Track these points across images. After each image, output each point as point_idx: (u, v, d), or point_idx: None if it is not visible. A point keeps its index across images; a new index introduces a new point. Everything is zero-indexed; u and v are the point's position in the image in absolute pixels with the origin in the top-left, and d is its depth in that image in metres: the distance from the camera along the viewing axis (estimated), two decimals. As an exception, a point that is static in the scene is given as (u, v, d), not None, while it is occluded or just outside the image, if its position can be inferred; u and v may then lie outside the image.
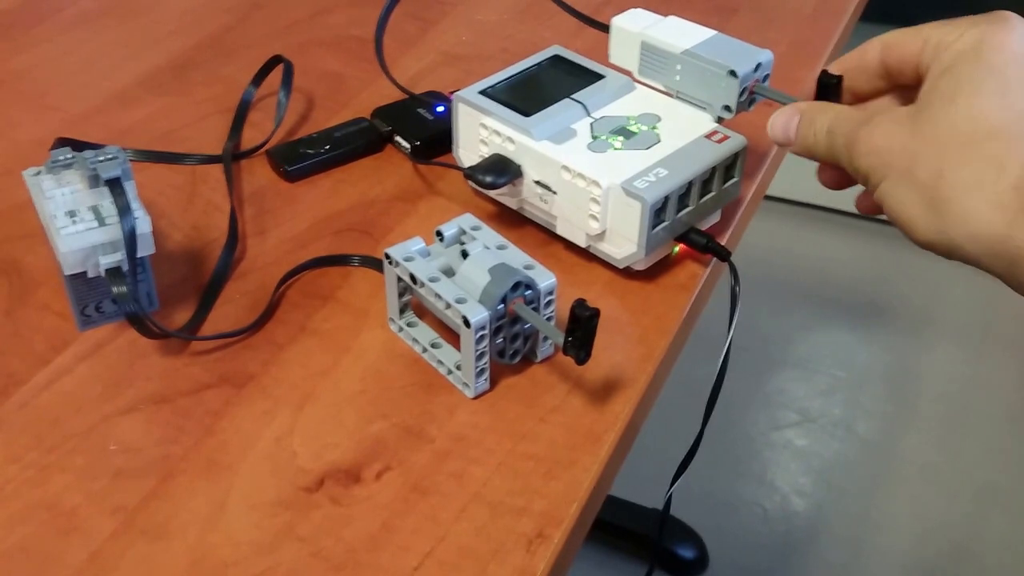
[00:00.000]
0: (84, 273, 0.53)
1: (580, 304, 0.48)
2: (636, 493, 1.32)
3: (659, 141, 0.59)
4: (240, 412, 0.52)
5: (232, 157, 0.69)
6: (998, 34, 0.46)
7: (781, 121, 0.54)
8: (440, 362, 0.54)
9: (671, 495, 0.63)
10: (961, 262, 0.46)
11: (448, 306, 0.51)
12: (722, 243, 0.60)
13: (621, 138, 0.59)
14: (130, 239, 0.52)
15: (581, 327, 0.48)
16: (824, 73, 0.54)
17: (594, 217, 0.57)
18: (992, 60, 0.46)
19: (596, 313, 0.48)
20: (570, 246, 0.61)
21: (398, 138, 0.70)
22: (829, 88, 0.54)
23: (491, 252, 0.53)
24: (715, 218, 0.63)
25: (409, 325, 0.56)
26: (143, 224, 0.52)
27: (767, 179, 0.70)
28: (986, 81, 0.46)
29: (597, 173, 0.57)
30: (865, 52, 0.54)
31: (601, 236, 0.58)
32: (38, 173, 0.55)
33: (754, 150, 0.67)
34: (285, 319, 0.57)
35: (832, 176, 0.56)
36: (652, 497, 1.30)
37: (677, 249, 0.60)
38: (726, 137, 0.60)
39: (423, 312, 0.57)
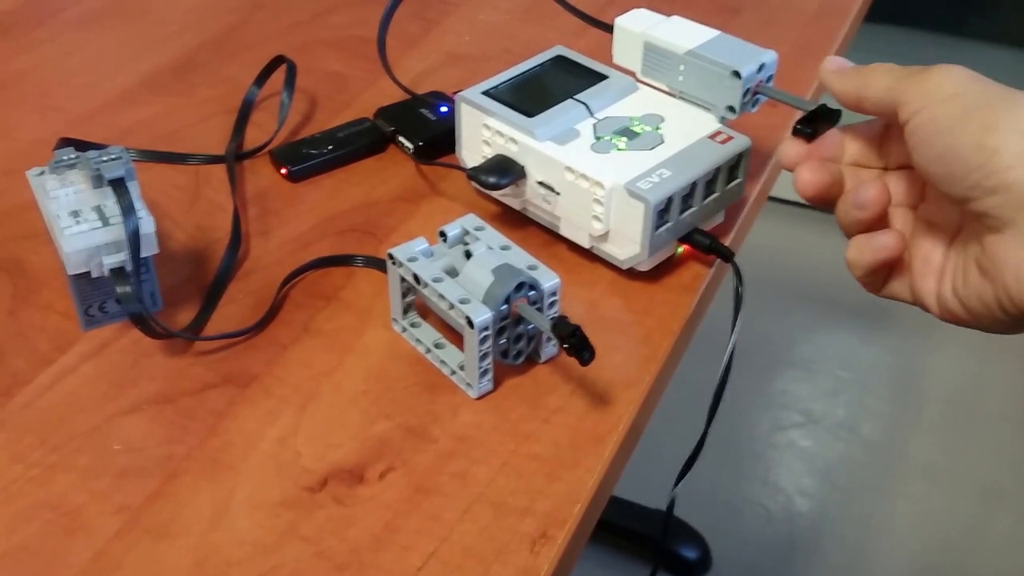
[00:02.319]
0: (88, 273, 0.53)
1: (561, 322, 0.49)
2: (639, 493, 1.32)
3: (663, 142, 0.59)
4: (244, 412, 0.52)
5: (235, 157, 0.69)
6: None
7: (839, 61, 0.52)
8: (443, 362, 0.54)
9: (675, 496, 0.63)
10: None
11: (451, 307, 0.51)
12: (726, 244, 0.60)
13: (624, 139, 0.59)
14: (134, 239, 0.52)
15: (565, 342, 0.49)
16: (823, 107, 0.54)
17: (597, 218, 0.57)
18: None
19: (576, 330, 0.48)
20: (573, 247, 0.61)
21: (401, 138, 0.70)
22: (822, 116, 0.54)
23: (494, 253, 0.53)
24: (719, 219, 0.63)
25: (412, 325, 0.56)
26: (147, 224, 0.52)
27: (771, 180, 0.70)
28: None
29: (600, 174, 0.57)
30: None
31: (604, 237, 0.58)
32: (42, 173, 0.56)
33: (758, 151, 0.67)
34: (288, 319, 0.57)
35: (813, 180, 0.52)
36: (655, 497, 1.29)
37: (681, 250, 0.60)
38: (730, 138, 0.60)
39: (426, 312, 0.57)
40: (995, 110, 0.44)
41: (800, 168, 0.52)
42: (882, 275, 0.51)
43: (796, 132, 0.53)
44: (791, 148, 0.53)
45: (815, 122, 0.53)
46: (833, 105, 0.54)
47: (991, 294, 0.45)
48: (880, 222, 0.50)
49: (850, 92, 0.50)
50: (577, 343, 0.48)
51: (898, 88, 0.47)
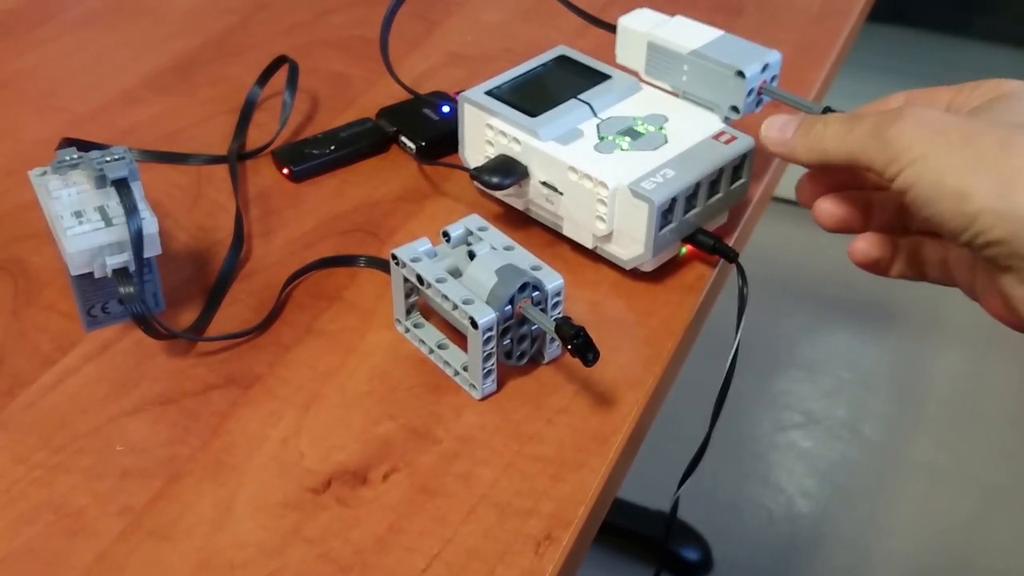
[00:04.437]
0: (91, 274, 0.53)
1: (565, 323, 0.49)
2: (640, 494, 1.31)
3: (666, 142, 0.59)
4: (246, 413, 0.52)
5: (237, 157, 0.69)
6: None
7: (779, 121, 0.52)
8: (447, 363, 0.54)
9: (678, 497, 0.63)
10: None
11: (455, 307, 0.51)
12: (729, 244, 0.60)
13: (628, 139, 0.59)
14: (137, 240, 0.52)
15: (569, 343, 0.48)
16: (828, 109, 0.54)
17: (601, 218, 0.57)
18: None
19: (580, 331, 0.48)
20: (577, 247, 0.61)
21: (403, 138, 0.70)
22: None
23: (498, 253, 0.53)
24: (722, 219, 0.63)
25: (416, 326, 0.56)
26: (150, 225, 0.52)
27: (774, 180, 0.70)
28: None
29: (604, 174, 0.56)
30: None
31: (608, 237, 0.58)
32: (44, 173, 0.55)
33: (762, 151, 0.67)
34: (291, 320, 0.57)
35: (813, 189, 0.53)
36: (656, 498, 1.30)
37: (684, 250, 0.60)
38: (734, 138, 0.59)
39: (430, 313, 0.56)
40: (962, 170, 0.44)
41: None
42: (885, 269, 0.53)
43: None
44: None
45: None
46: (837, 106, 0.54)
47: (1012, 318, 0.47)
48: (859, 222, 0.52)
49: (811, 161, 0.50)
50: (581, 344, 0.48)
51: (865, 156, 0.47)
